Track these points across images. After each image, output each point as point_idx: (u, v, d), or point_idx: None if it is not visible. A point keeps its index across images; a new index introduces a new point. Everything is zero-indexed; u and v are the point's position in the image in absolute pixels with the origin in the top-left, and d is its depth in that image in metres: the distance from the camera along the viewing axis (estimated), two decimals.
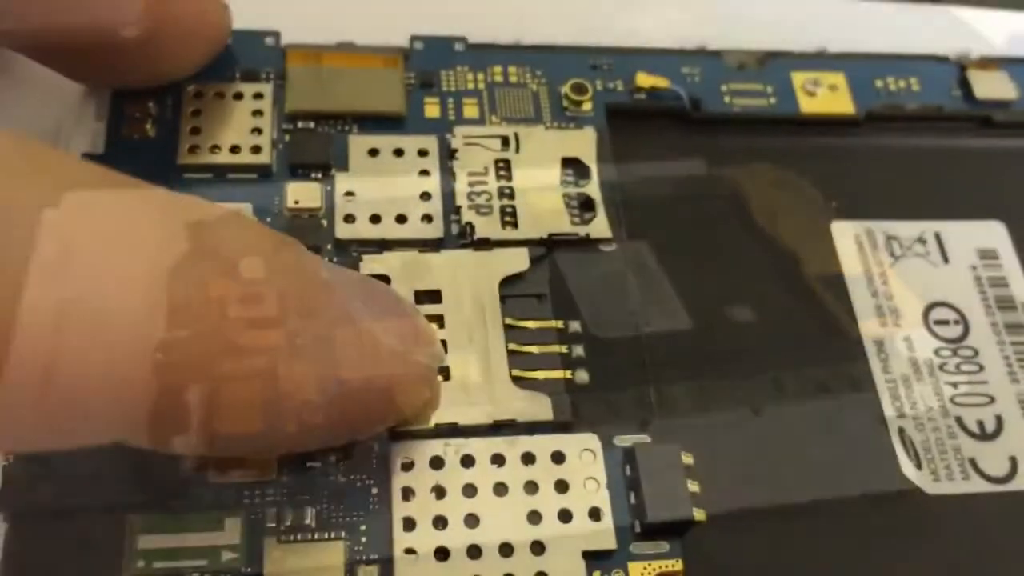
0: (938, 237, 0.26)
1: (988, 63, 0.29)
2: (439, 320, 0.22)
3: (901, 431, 0.23)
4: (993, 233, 0.27)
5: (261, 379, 0.16)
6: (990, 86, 0.28)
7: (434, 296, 0.22)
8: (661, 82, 0.27)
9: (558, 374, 0.22)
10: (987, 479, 0.23)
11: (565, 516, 0.20)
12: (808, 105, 0.27)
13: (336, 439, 0.19)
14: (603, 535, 0.20)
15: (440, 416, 0.20)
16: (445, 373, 0.21)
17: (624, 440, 0.21)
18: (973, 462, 0.23)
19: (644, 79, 0.27)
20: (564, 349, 0.22)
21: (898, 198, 0.27)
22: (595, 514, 0.20)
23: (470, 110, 0.26)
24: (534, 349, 0.22)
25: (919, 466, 0.23)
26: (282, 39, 0.26)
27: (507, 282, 0.23)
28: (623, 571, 0.20)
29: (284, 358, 0.16)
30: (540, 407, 0.21)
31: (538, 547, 0.19)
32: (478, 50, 0.27)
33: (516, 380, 0.21)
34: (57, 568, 0.18)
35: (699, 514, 0.20)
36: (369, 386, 0.18)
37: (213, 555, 0.19)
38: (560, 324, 0.22)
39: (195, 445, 0.16)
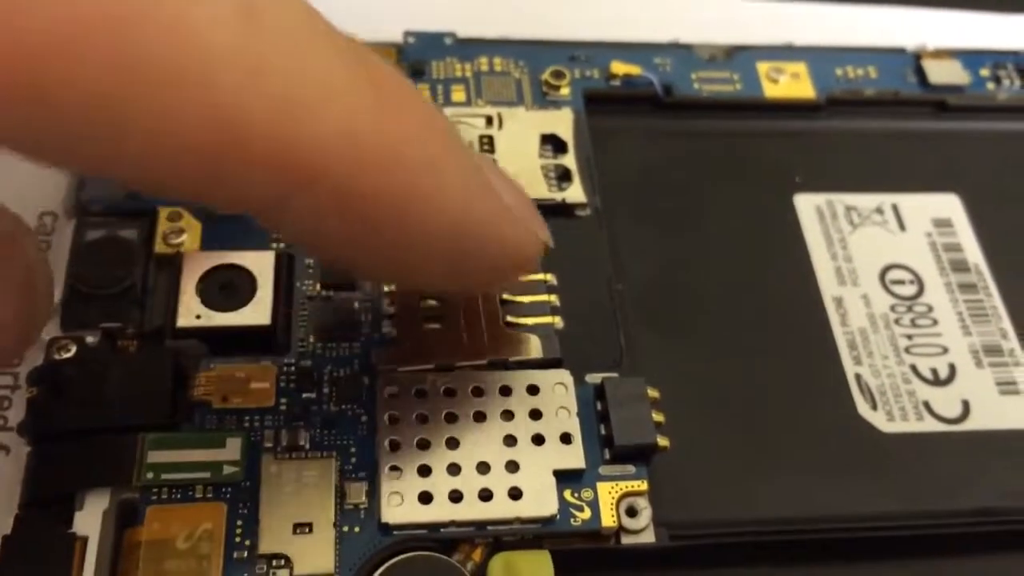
0: (895, 208, 0.28)
1: (941, 53, 0.31)
2: None
3: (858, 376, 0.25)
4: (948, 204, 0.28)
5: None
6: (944, 73, 0.30)
7: None
8: (634, 70, 0.29)
9: (546, 319, 0.24)
10: (940, 420, 0.24)
11: (538, 440, 0.21)
12: (772, 91, 0.29)
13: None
14: (573, 455, 0.21)
15: (438, 356, 0.22)
16: (443, 320, 0.23)
17: (595, 377, 0.23)
18: (927, 404, 0.24)
19: (619, 67, 0.29)
20: (552, 299, 0.24)
21: (858, 174, 0.29)
22: (566, 438, 0.21)
23: (458, 95, 0.28)
24: (524, 299, 0.24)
25: (874, 407, 0.24)
26: None
27: None
28: (592, 490, 0.21)
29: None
30: (530, 346, 0.23)
31: (513, 466, 0.21)
32: (466, 44, 0.29)
33: (508, 325, 0.23)
34: (75, 482, 0.20)
35: (662, 440, 0.22)
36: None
37: (215, 469, 0.20)
38: (547, 277, 0.24)
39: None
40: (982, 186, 0.29)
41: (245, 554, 0.20)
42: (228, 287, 0.23)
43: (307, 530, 0.20)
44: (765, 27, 0.32)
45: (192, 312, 0.22)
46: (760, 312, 0.26)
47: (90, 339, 0.22)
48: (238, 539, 0.20)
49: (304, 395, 0.22)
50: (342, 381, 0.22)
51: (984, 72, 0.31)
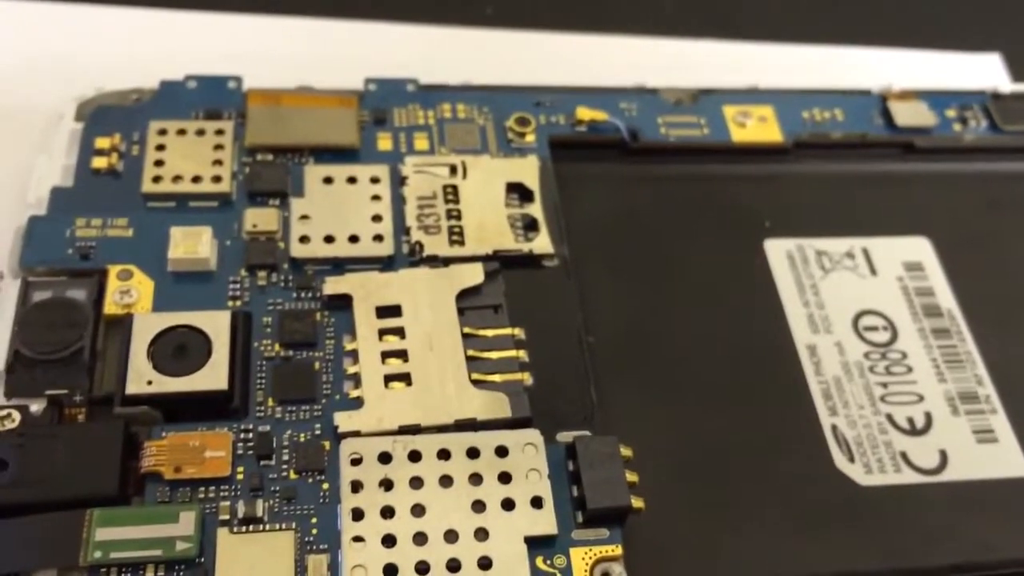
0: (866, 252, 0.28)
1: (908, 94, 0.31)
2: (400, 332, 0.23)
3: (834, 427, 0.24)
4: (919, 248, 0.28)
5: None
6: (910, 114, 0.30)
7: (394, 311, 0.23)
8: (600, 115, 0.29)
9: (515, 376, 0.23)
10: (918, 471, 0.24)
11: (508, 504, 0.21)
12: (739, 135, 0.29)
13: None
14: (544, 521, 0.20)
15: (403, 418, 0.22)
16: (407, 379, 0.22)
17: (566, 436, 0.22)
18: (904, 455, 0.24)
19: (584, 113, 0.28)
20: (520, 354, 0.23)
21: (827, 218, 0.28)
22: (537, 502, 0.21)
23: (420, 143, 0.27)
24: (492, 355, 0.23)
25: (851, 459, 0.24)
26: (245, 84, 0.28)
27: (465, 295, 0.24)
28: (565, 556, 0.20)
29: None
30: (499, 406, 0.22)
31: (482, 533, 0.20)
32: (428, 90, 0.28)
33: (475, 383, 0.22)
34: (18, 562, 0.19)
35: (637, 502, 0.21)
36: None
37: (167, 545, 0.19)
38: (516, 331, 0.23)
39: None
40: (952, 228, 0.29)
41: None
42: (182, 350, 0.22)
43: None
44: (730, 69, 0.32)
45: (143, 377, 0.21)
46: (733, 362, 0.25)
47: (35, 407, 0.21)
48: None
49: (262, 463, 0.21)
50: (302, 447, 0.21)
51: (951, 113, 0.31)
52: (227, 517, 0.20)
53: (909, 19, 0.36)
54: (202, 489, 0.20)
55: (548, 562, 0.20)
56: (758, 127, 0.29)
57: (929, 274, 0.28)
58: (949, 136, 0.30)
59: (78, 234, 0.24)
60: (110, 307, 0.23)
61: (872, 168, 0.30)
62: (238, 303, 0.23)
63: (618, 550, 0.21)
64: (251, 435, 0.21)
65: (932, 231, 0.28)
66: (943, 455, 0.24)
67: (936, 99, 0.31)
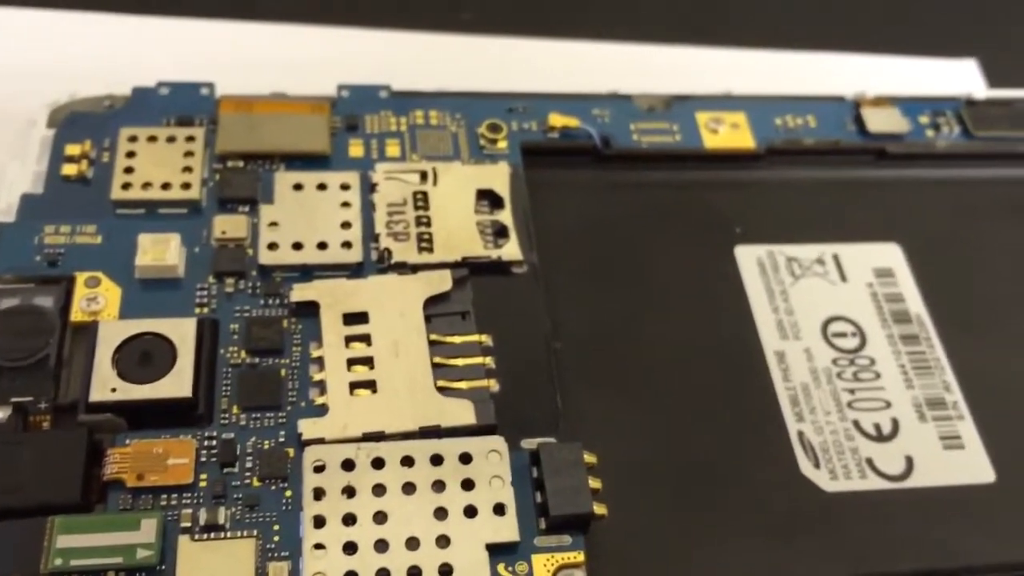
0: (836, 258, 0.28)
1: (881, 101, 0.31)
2: (367, 339, 0.23)
3: (800, 434, 0.24)
4: (889, 254, 0.28)
5: None
6: (883, 121, 0.30)
7: (362, 318, 0.23)
8: (573, 122, 0.29)
9: (481, 383, 0.23)
10: (884, 477, 0.24)
11: (470, 512, 0.21)
12: (711, 141, 0.29)
13: None
14: (507, 528, 0.21)
15: (368, 424, 0.22)
16: (373, 386, 0.22)
17: (530, 443, 0.22)
18: (870, 461, 0.24)
19: (557, 119, 0.29)
20: (487, 361, 0.23)
21: (798, 224, 0.28)
22: (499, 509, 0.21)
23: (392, 149, 0.27)
24: (458, 362, 0.23)
25: (817, 465, 0.24)
26: (217, 91, 0.28)
27: (433, 301, 0.24)
28: (527, 563, 0.20)
29: None
30: (464, 412, 0.22)
31: (443, 540, 0.20)
32: (401, 97, 0.29)
33: (441, 390, 0.22)
34: None
35: (599, 508, 0.21)
36: None
37: (128, 553, 0.19)
38: (483, 338, 0.24)
39: None
40: (923, 235, 0.29)
41: None
42: (147, 357, 0.22)
43: None
44: (704, 75, 0.32)
45: (107, 385, 0.21)
46: (701, 368, 0.25)
47: (0, 415, 0.21)
48: None
49: (225, 470, 0.21)
50: (266, 454, 0.21)
51: (923, 119, 0.31)
52: (189, 524, 0.20)
53: (886, 25, 0.36)
54: (164, 496, 0.20)
55: (510, 569, 0.20)
56: (730, 134, 0.29)
57: (899, 280, 0.28)
58: (921, 142, 0.30)
59: (47, 241, 0.24)
60: (77, 314, 0.23)
61: (844, 174, 0.30)
62: (205, 310, 0.23)
63: (580, 557, 0.21)
64: (215, 442, 0.21)
65: (903, 237, 0.29)
66: (909, 461, 0.24)
67: (909, 106, 0.31)
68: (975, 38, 0.37)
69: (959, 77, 0.35)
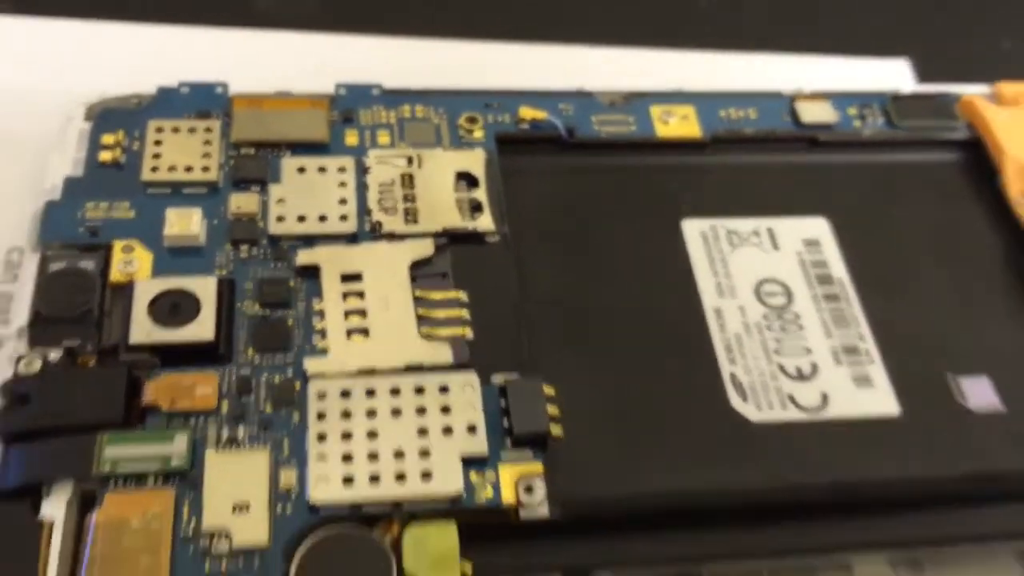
0: (770, 231, 0.32)
1: (815, 96, 0.35)
2: (361, 295, 0.27)
3: (732, 375, 0.28)
4: (817, 227, 0.32)
5: None
6: (815, 113, 0.34)
7: (357, 277, 0.28)
8: (541, 115, 0.33)
9: (458, 331, 0.27)
10: (802, 409, 0.28)
11: (447, 431, 0.25)
12: (663, 131, 0.33)
13: None
14: (478, 443, 0.25)
15: (362, 363, 0.26)
16: (366, 332, 0.26)
17: (499, 378, 0.26)
18: (791, 396, 0.28)
19: (527, 112, 0.33)
20: (463, 313, 0.27)
21: (738, 203, 0.33)
22: (472, 429, 0.25)
23: (383, 138, 0.32)
24: (439, 314, 0.27)
25: (745, 400, 0.28)
26: (230, 91, 0.32)
27: (417, 265, 0.28)
28: (494, 472, 0.25)
29: None
30: (443, 353, 0.26)
31: (425, 453, 0.24)
32: (391, 94, 0.33)
33: (424, 336, 0.27)
34: (42, 474, 0.23)
35: (556, 430, 0.25)
36: None
37: (164, 460, 0.23)
38: (460, 295, 0.28)
39: None
40: (847, 211, 0.33)
41: (191, 531, 0.23)
42: (176, 308, 0.26)
43: (245, 510, 0.23)
44: (659, 74, 0.36)
45: (144, 330, 0.25)
46: (649, 321, 0.29)
47: (53, 355, 0.25)
48: (185, 517, 0.23)
49: (243, 398, 0.25)
50: (277, 386, 0.25)
51: (852, 111, 0.35)
52: (214, 439, 0.24)
53: (828, 27, 0.41)
54: (193, 419, 0.25)
55: (480, 475, 0.24)
56: (680, 124, 0.34)
57: (824, 249, 0.32)
58: (849, 131, 0.34)
59: (88, 215, 0.28)
60: (115, 275, 0.27)
61: (779, 159, 0.34)
62: (224, 272, 0.28)
63: (539, 468, 0.25)
64: (234, 377, 0.25)
65: (830, 213, 0.33)
66: (825, 397, 0.28)
67: (840, 100, 0.35)
68: (908, 39, 0.41)
69: (891, 75, 0.39)
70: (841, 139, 0.34)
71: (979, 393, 0.29)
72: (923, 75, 0.40)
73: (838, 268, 0.31)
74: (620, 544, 0.25)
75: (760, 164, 0.34)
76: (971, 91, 0.36)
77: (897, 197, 0.34)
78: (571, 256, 0.31)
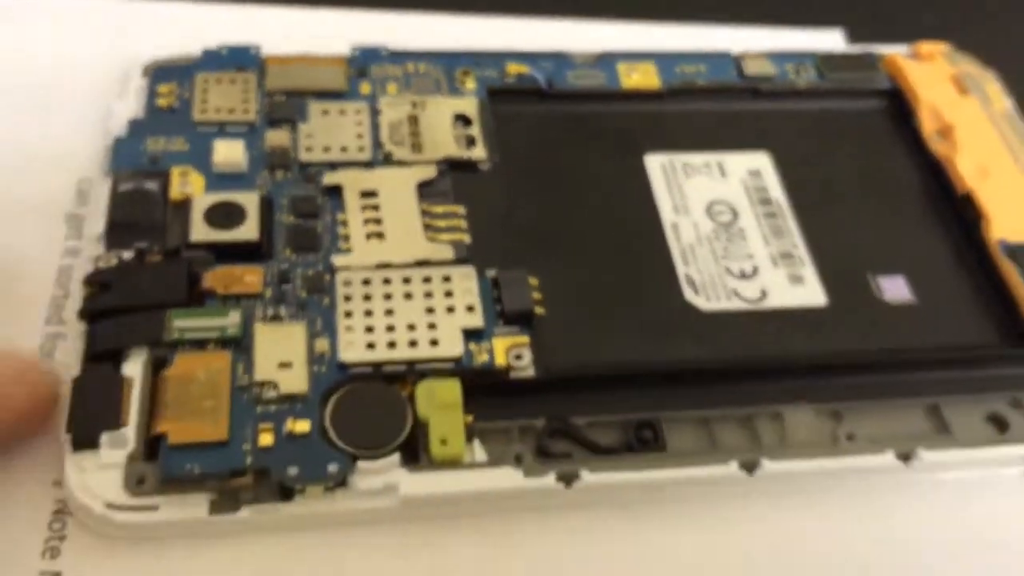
0: (720, 164, 0.38)
1: (757, 55, 0.41)
2: (377, 208, 0.33)
3: (687, 275, 0.34)
4: (760, 160, 0.38)
5: None
6: (757, 67, 0.40)
7: (373, 194, 0.33)
8: (525, 69, 0.39)
9: (457, 236, 0.33)
10: (745, 300, 0.34)
11: (450, 309, 0.30)
12: (628, 83, 0.39)
13: None
14: (475, 319, 0.30)
15: (379, 258, 0.31)
16: (382, 236, 0.32)
17: (492, 272, 0.32)
18: (735, 291, 0.34)
19: (513, 68, 0.39)
20: (461, 223, 0.33)
21: (692, 142, 0.38)
22: (470, 308, 0.31)
23: (391, 89, 0.37)
24: (441, 223, 0.33)
25: (697, 293, 0.34)
26: (262, 52, 0.38)
27: (423, 185, 0.34)
28: (489, 342, 0.30)
29: None
30: (446, 251, 0.32)
31: (432, 326, 0.30)
32: (398, 55, 0.39)
33: (430, 240, 0.32)
34: (122, 341, 0.29)
35: (539, 309, 0.31)
36: None
37: (222, 330, 0.29)
38: (459, 208, 0.33)
39: None
40: (786, 147, 0.39)
41: (246, 381, 0.28)
42: (227, 215, 0.32)
43: (288, 367, 0.29)
44: (628, 42, 0.42)
45: (201, 231, 0.31)
46: (617, 234, 0.35)
47: (127, 254, 0.31)
48: (240, 372, 0.28)
49: (283, 286, 0.31)
50: (310, 277, 0.31)
51: (789, 67, 0.41)
52: (260, 316, 0.30)
53: (771, 5, 0.47)
54: (243, 301, 0.30)
55: (477, 345, 0.30)
56: (642, 78, 0.40)
57: (765, 178, 0.38)
58: (786, 82, 0.40)
59: (149, 148, 0.34)
60: (175, 194, 0.33)
61: (727, 107, 0.40)
62: (263, 191, 0.33)
63: (526, 340, 0.30)
64: (276, 271, 0.31)
65: (771, 149, 0.38)
66: (764, 291, 0.34)
67: (778, 58, 0.41)
68: (843, 14, 0.47)
69: (826, 43, 0.45)
70: (779, 89, 0.40)
71: (894, 288, 0.35)
72: (854, 42, 0.46)
73: (777, 192, 0.37)
74: (592, 398, 0.30)
75: (710, 110, 0.40)
76: (893, 51, 0.42)
77: (829, 137, 0.40)
78: (551, 185, 0.36)
